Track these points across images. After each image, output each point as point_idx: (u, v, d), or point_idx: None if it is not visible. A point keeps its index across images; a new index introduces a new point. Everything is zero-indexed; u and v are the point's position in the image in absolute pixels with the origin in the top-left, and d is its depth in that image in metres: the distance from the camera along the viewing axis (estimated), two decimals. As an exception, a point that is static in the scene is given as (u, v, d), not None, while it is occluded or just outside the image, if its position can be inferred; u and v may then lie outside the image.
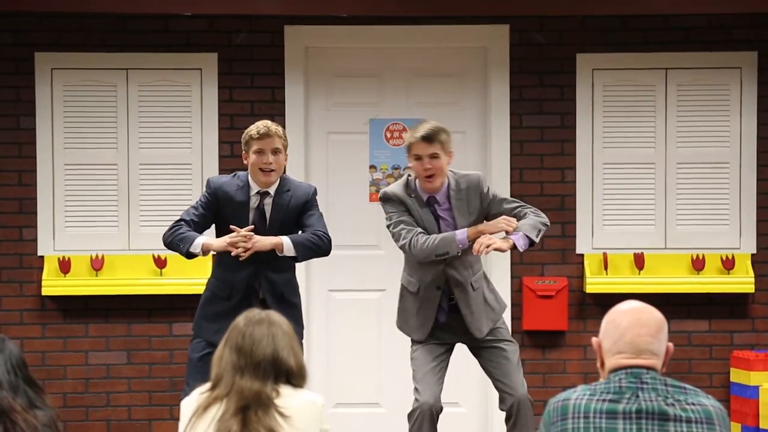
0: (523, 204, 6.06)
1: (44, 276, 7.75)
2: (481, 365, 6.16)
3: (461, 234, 5.87)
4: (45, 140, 7.81)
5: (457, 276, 6.01)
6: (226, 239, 5.95)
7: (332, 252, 7.42)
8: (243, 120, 7.86)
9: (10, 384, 3.83)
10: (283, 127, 7.76)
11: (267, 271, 6.06)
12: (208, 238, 6.05)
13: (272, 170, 6.05)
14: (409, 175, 6.08)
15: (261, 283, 6.06)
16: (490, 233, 5.84)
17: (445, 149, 5.92)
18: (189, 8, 7.73)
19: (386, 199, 6.05)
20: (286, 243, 5.99)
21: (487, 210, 6.03)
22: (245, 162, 6.15)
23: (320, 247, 6.08)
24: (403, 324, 6.20)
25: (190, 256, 6.05)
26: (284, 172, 6.20)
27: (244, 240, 5.92)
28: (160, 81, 7.86)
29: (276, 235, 6.01)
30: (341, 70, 8.04)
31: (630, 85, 7.95)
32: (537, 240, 5.93)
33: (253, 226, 6.01)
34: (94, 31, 7.83)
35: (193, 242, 5.99)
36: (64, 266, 7.74)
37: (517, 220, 5.94)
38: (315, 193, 6.22)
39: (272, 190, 6.12)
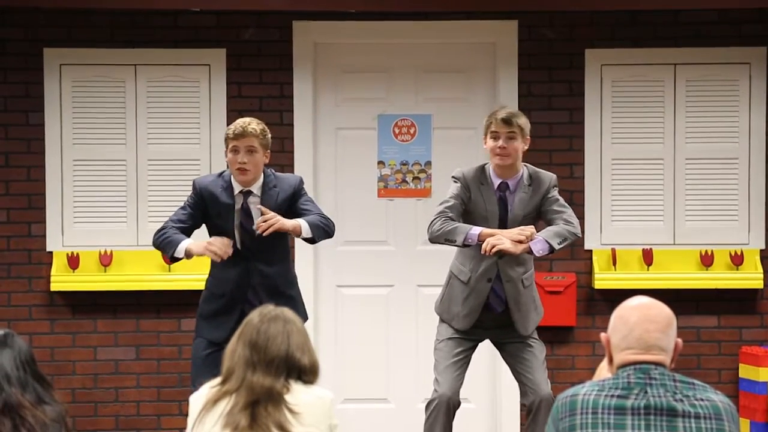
0: (564, 211, 6.07)
1: (53, 272, 7.76)
2: (506, 359, 6.19)
3: (475, 230, 5.91)
4: (54, 136, 7.81)
5: (510, 271, 6.06)
6: (204, 244, 5.92)
7: (341, 247, 7.46)
8: (251, 115, 7.85)
9: (19, 380, 3.84)
10: (292, 122, 7.80)
11: (259, 265, 6.06)
12: (191, 242, 6.00)
13: (247, 170, 6.01)
14: (486, 164, 6.14)
15: (254, 277, 6.06)
16: (507, 236, 5.87)
17: (522, 134, 6.03)
18: (197, 4, 7.73)
19: (455, 178, 6.14)
20: (303, 225, 5.97)
21: (540, 207, 6.09)
22: (226, 159, 6.12)
23: (329, 227, 6.09)
24: (444, 310, 6.22)
25: (174, 260, 6.05)
26: (280, 169, 6.17)
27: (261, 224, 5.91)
28: (169, 77, 7.87)
29: (262, 235, 5.97)
30: (350, 66, 8.04)
31: (639, 80, 7.94)
32: (558, 247, 5.94)
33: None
34: (103, 26, 7.83)
35: (177, 247, 5.97)
36: (73, 262, 7.75)
37: (548, 225, 6.00)
38: (301, 182, 6.21)
39: (256, 189, 6.08)
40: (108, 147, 7.85)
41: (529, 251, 5.90)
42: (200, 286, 7.65)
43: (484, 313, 6.09)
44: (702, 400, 3.53)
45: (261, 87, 7.89)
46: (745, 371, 7.74)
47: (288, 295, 6.12)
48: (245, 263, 6.05)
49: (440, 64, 8.04)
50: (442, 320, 6.22)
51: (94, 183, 7.85)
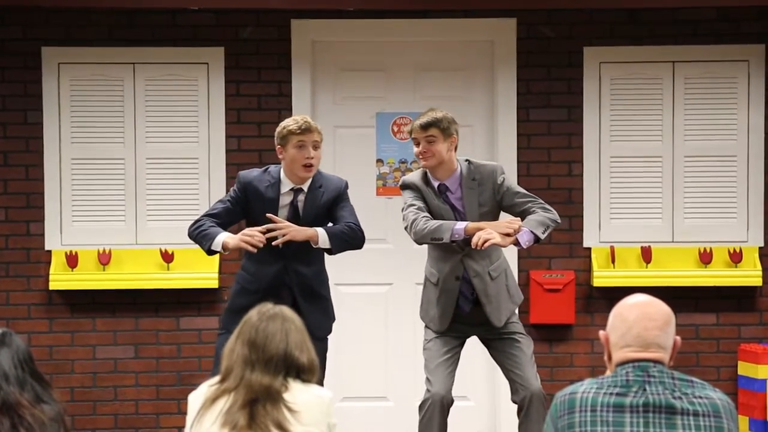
0: (535, 199, 6.07)
1: (51, 270, 7.75)
2: (494, 357, 6.18)
3: (460, 225, 5.90)
4: (52, 135, 7.81)
5: (475, 266, 6.05)
6: (239, 236, 5.90)
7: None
8: (250, 114, 7.87)
9: (17, 379, 3.83)
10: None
11: (297, 265, 6.03)
12: (228, 235, 5.97)
13: (313, 165, 6.00)
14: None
15: (291, 277, 6.03)
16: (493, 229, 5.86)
17: (444, 134, 6.01)
18: (196, 2, 7.73)
19: (404, 186, 6.16)
20: (321, 235, 5.95)
21: (500, 201, 6.07)
22: (280, 156, 6.04)
23: (354, 238, 6.07)
24: (424, 314, 6.23)
25: (211, 253, 6.02)
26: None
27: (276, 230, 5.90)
28: (167, 75, 7.86)
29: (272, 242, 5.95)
30: (348, 64, 8.04)
31: (637, 78, 7.94)
32: (543, 237, 5.95)
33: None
34: (101, 25, 7.83)
35: (214, 240, 5.94)
36: (72, 261, 7.74)
37: (527, 215, 5.98)
38: (346, 186, 6.18)
39: (305, 186, 6.06)
40: (106, 145, 7.85)
41: (516, 243, 5.90)
42: (199, 284, 7.73)
43: (457, 312, 6.09)
44: (701, 397, 3.52)
45: (259, 85, 7.89)
46: (744, 369, 7.74)
47: (321, 295, 6.13)
48: (283, 262, 6.02)
49: (438, 62, 8.04)
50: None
51: (92, 181, 7.85)
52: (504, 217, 6.13)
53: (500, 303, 6.08)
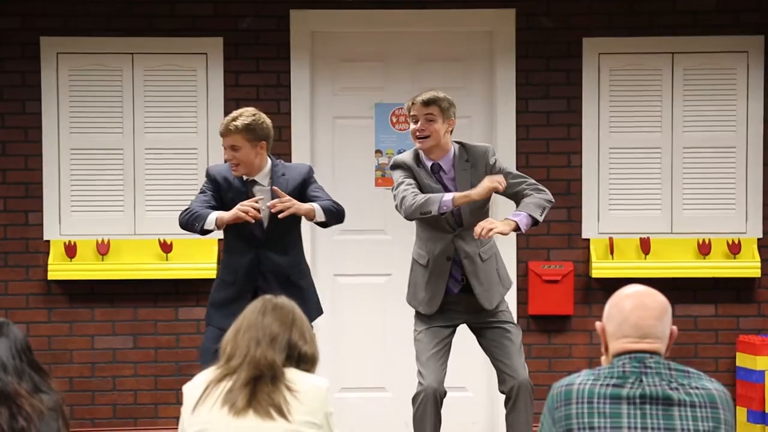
0: (527, 179, 6.08)
1: (50, 260, 7.75)
2: (483, 345, 6.15)
3: (447, 196, 5.85)
4: (51, 125, 7.81)
5: (466, 247, 6.03)
6: (234, 209, 5.93)
7: (338, 237, 7.46)
8: (248, 104, 7.85)
9: (15, 369, 3.84)
10: (289, 112, 7.80)
11: (270, 253, 6.08)
12: (220, 212, 6.02)
13: (236, 164, 6.07)
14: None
15: (265, 265, 6.08)
16: (479, 197, 5.83)
17: (444, 115, 6.00)
18: (194, -8, 7.74)
19: (395, 166, 6.14)
20: (317, 209, 6.04)
21: None
22: None
23: (340, 212, 6.16)
24: (411, 298, 6.21)
25: (205, 233, 6.07)
26: (280, 157, 6.21)
27: (267, 205, 5.97)
28: (166, 65, 7.86)
29: (276, 219, 5.99)
30: (347, 55, 8.03)
31: (636, 69, 7.93)
32: (541, 219, 5.96)
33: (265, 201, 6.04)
34: (100, 15, 7.82)
35: (207, 219, 6.00)
36: (70, 251, 7.74)
37: (520, 196, 6.00)
38: (311, 170, 6.28)
39: (261, 179, 6.12)
40: (105, 136, 7.85)
41: (517, 228, 5.90)
42: (197, 274, 7.73)
43: (447, 296, 6.07)
44: (697, 388, 3.52)
45: (258, 76, 7.88)
46: (742, 360, 7.75)
47: (298, 285, 6.14)
48: (255, 251, 6.08)
49: (438, 52, 8.03)
50: (416, 311, 6.22)
51: (91, 172, 7.85)
52: (502, 205, 6.14)
53: (491, 286, 6.07)
